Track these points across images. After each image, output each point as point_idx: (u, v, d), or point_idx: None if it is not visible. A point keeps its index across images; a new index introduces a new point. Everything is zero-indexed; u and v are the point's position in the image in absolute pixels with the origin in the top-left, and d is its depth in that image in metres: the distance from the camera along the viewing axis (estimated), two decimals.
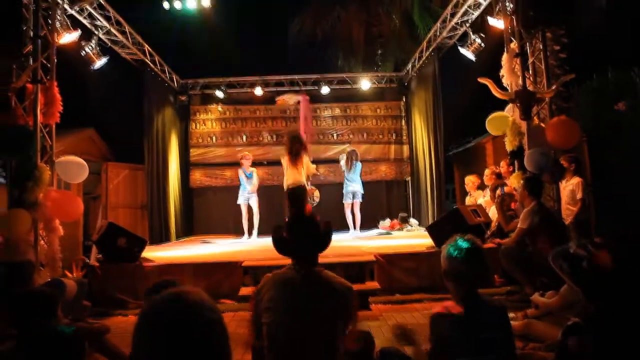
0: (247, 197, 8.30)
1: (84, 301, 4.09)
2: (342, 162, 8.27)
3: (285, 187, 6.88)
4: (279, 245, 2.22)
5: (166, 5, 6.79)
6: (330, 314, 2.01)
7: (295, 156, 6.85)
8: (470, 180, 7.36)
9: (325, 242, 2.21)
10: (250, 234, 8.37)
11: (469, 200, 7.21)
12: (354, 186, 8.11)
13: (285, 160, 6.98)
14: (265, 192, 8.71)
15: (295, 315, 1.98)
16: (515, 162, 5.79)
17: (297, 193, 6.75)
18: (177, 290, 1.04)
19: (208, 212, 10.48)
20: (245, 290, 4.81)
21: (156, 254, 6.24)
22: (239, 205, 8.44)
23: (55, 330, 2.14)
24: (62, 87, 5.39)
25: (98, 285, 5.03)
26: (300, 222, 2.20)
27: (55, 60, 5.45)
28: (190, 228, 10.27)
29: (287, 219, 2.29)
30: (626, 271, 2.08)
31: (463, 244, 2.08)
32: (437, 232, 5.57)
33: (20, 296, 2.25)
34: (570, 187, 5.69)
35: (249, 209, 8.33)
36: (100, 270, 5.19)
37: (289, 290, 2.03)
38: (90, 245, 6.00)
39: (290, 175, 6.86)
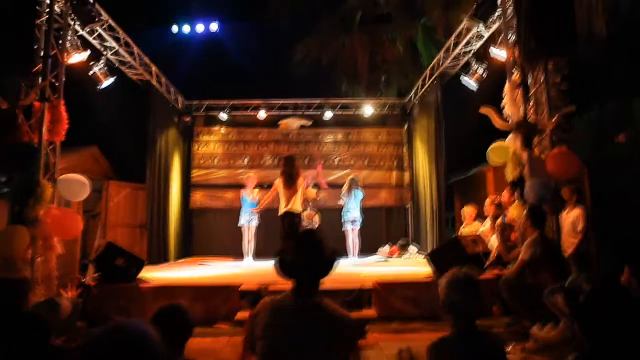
0: (249, 219, 8.31)
1: (79, 322, 4.05)
2: (344, 190, 8.31)
3: (280, 212, 6.87)
4: (281, 266, 2.16)
5: (175, 29, 6.91)
6: (326, 345, 1.94)
7: (289, 179, 6.83)
8: (467, 212, 7.31)
9: (329, 267, 2.10)
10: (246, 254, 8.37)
11: (464, 231, 7.14)
12: (352, 214, 8.12)
13: (279, 184, 6.95)
14: (265, 215, 8.70)
15: (289, 345, 1.92)
16: (516, 193, 5.80)
17: (293, 218, 6.72)
18: (118, 324, 1.03)
19: (208, 233, 10.44)
20: (242, 315, 4.76)
21: (154, 274, 6.21)
22: (239, 228, 8.44)
23: (47, 354, 2.12)
24: (67, 105, 5.46)
25: (93, 305, 4.98)
26: (306, 243, 2.13)
27: (64, 79, 5.55)
28: (189, 249, 10.22)
29: (292, 239, 2.20)
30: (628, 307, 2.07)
31: (461, 277, 2.09)
32: (437, 260, 5.55)
33: (12, 321, 2.21)
34: (571, 218, 5.67)
35: (251, 231, 8.34)
36: (96, 290, 5.14)
37: (284, 319, 1.97)
38: (88, 264, 5.97)
39: (284, 202, 6.84)
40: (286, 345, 1.93)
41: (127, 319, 1.08)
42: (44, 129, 5.14)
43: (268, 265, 2.15)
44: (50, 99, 5.25)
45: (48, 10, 5.32)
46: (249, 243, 8.35)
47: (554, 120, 5.59)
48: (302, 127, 10.98)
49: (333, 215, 9.38)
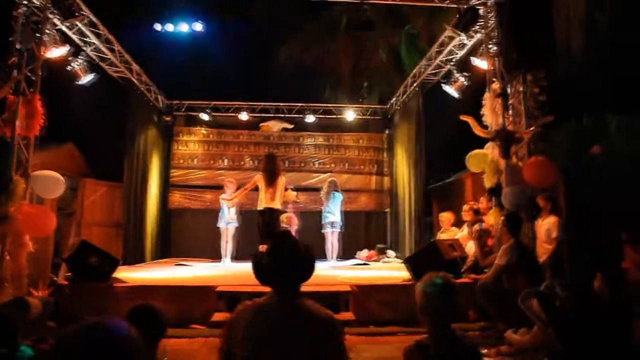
0: (228, 221, 8.27)
1: (49, 322, 3.94)
2: (322, 192, 8.30)
3: (259, 207, 6.92)
4: (258, 274, 2.13)
5: (158, 27, 6.83)
6: (313, 348, 1.89)
7: (271, 176, 6.89)
8: (445, 217, 7.39)
9: (309, 269, 2.04)
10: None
11: (441, 236, 7.20)
12: (331, 217, 8.12)
13: (260, 179, 6.99)
14: (244, 216, 8.65)
15: (274, 349, 1.86)
16: (493, 199, 5.89)
17: (271, 213, 6.77)
18: (94, 320, 1.01)
19: (186, 234, 10.32)
20: (218, 316, 4.71)
21: (128, 274, 6.10)
22: (217, 229, 8.38)
23: (14, 353, 2.05)
24: (44, 100, 5.32)
25: (65, 305, 4.84)
26: (280, 249, 2.13)
27: (41, 74, 5.41)
28: (166, 250, 10.07)
29: (266, 245, 2.17)
30: (596, 312, 2.12)
31: (437, 281, 2.11)
32: (414, 264, 5.58)
33: None
34: (546, 225, 5.78)
35: (229, 232, 8.30)
36: (68, 289, 5.02)
37: (268, 324, 1.89)
38: (60, 263, 5.82)
39: (264, 198, 6.89)
40: (271, 349, 1.86)
41: (102, 316, 1.05)
42: (17, 124, 5.00)
43: (246, 267, 2.11)
44: (24, 93, 5.12)
45: (26, 2, 5.20)
46: (226, 244, 8.29)
47: (531, 129, 5.70)
48: (283, 129, 10.97)
49: (313, 217, 9.37)
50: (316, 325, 1.94)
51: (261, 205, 6.97)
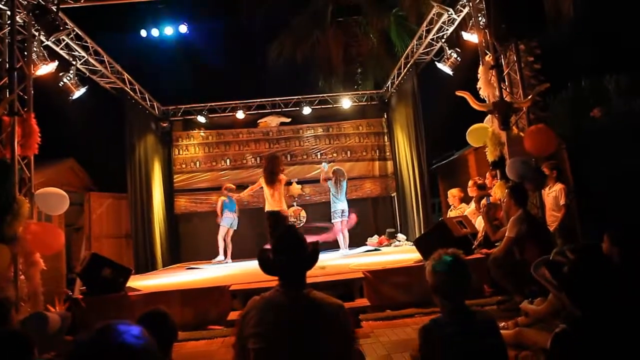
0: (232, 220, 8.39)
1: (67, 336, 3.97)
2: (330, 183, 8.26)
3: (265, 209, 6.97)
4: (264, 265, 2.17)
5: (143, 32, 6.79)
6: (322, 336, 1.92)
7: (270, 176, 6.88)
8: (452, 194, 7.37)
9: (312, 259, 2.13)
10: (226, 255, 8.45)
11: (451, 214, 7.21)
12: (340, 204, 8.11)
13: (263, 183, 7.02)
14: (249, 214, 8.67)
15: (284, 340, 1.89)
16: (498, 172, 5.85)
17: (277, 217, 6.78)
18: (105, 324, 1.01)
19: (194, 238, 10.34)
20: (234, 315, 4.72)
21: (142, 282, 6.13)
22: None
23: None
24: (40, 117, 5.32)
25: (82, 318, 4.89)
26: (285, 240, 2.16)
27: (32, 92, 5.40)
28: (177, 255, 10.11)
29: (272, 239, 2.23)
30: (611, 272, 2.10)
31: (446, 258, 2.10)
32: (424, 245, 5.57)
33: None
34: (553, 193, 5.77)
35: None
36: (84, 303, 5.05)
37: (277, 314, 1.94)
38: (74, 278, 5.85)
39: (268, 201, 6.92)
40: (281, 340, 1.89)
41: (114, 320, 1.05)
42: (15, 144, 5.00)
43: (256, 265, 2.14)
44: (19, 113, 5.11)
45: (9, 21, 5.17)
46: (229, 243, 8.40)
47: (529, 98, 5.64)
48: (282, 124, 10.95)
49: (319, 209, 9.38)
50: (323, 314, 1.96)
51: (267, 207, 7.01)
